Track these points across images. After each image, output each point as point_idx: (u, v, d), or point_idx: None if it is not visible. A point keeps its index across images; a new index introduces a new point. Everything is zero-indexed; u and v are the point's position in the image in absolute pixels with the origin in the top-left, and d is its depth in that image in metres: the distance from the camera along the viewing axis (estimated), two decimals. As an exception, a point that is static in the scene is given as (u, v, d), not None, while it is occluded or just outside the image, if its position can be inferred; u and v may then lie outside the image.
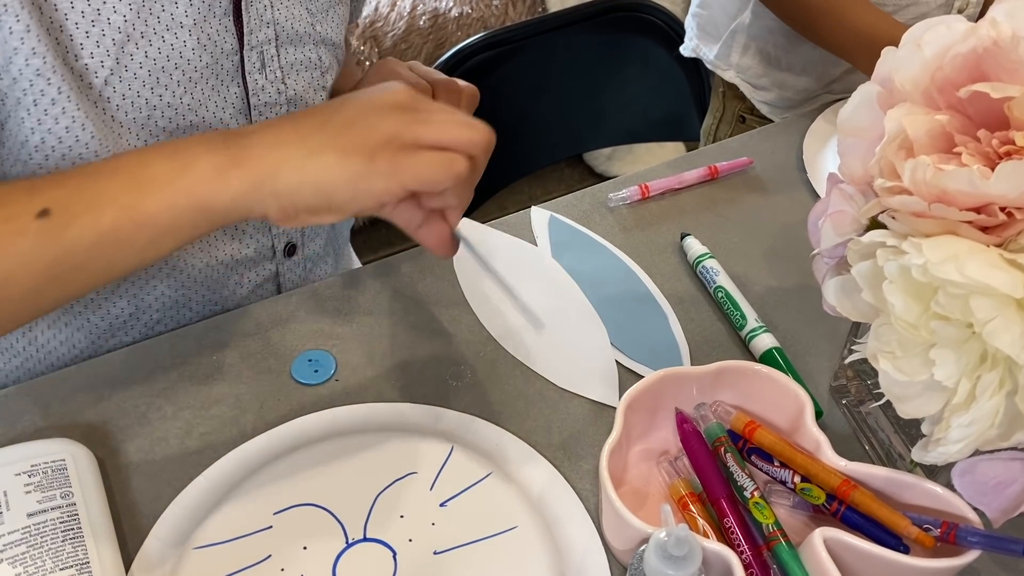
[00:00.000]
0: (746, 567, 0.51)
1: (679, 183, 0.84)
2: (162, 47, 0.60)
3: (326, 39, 0.72)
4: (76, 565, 0.51)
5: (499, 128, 0.53)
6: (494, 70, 1.18)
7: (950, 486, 0.51)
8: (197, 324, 0.70)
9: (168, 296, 0.72)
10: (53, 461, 0.56)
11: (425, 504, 0.58)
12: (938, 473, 0.56)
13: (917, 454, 0.50)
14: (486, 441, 0.62)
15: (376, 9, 1.82)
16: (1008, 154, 0.45)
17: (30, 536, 0.52)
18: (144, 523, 0.56)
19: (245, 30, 0.65)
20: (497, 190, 1.25)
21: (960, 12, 1.01)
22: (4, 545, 0.51)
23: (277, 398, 0.65)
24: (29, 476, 0.55)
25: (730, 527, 0.54)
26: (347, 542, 0.56)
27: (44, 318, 0.71)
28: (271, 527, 0.56)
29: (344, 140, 0.50)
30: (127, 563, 0.54)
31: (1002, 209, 0.45)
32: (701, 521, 0.55)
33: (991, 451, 0.48)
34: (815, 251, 0.55)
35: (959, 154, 0.46)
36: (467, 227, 0.76)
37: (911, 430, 0.59)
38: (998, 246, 0.45)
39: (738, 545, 0.53)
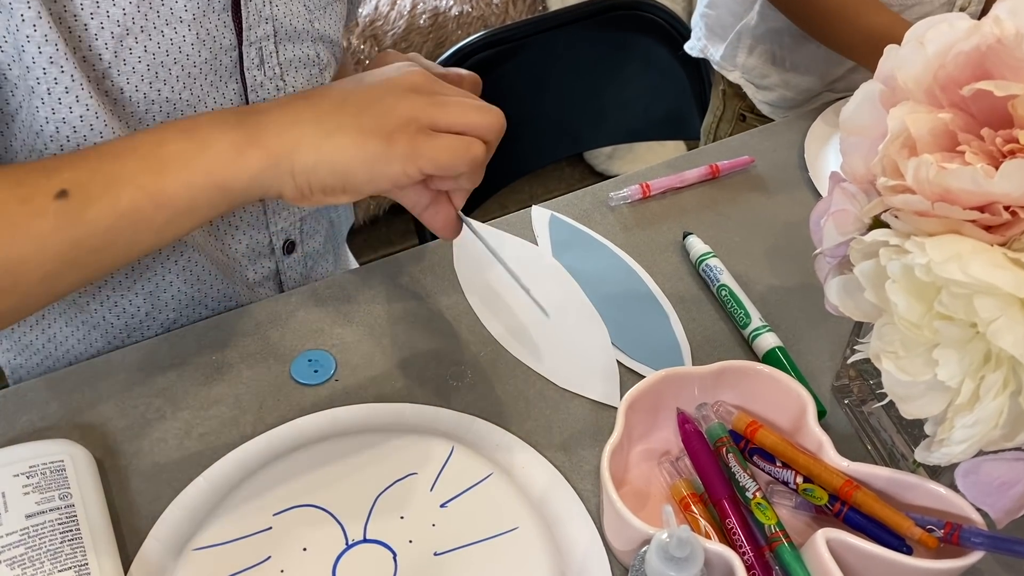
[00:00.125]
0: (748, 568, 0.51)
1: (680, 182, 0.83)
2: (161, 41, 0.60)
3: (324, 36, 0.72)
4: (75, 567, 0.51)
5: (499, 127, 0.53)
6: (494, 69, 1.18)
7: (953, 487, 0.51)
8: (197, 324, 0.70)
9: (184, 293, 0.72)
10: (52, 462, 0.56)
11: (425, 505, 0.57)
12: (941, 474, 0.56)
13: (920, 454, 0.49)
14: (486, 441, 0.62)
15: (376, 8, 1.82)
16: (1012, 152, 0.45)
17: (28, 537, 0.51)
18: (143, 524, 0.56)
19: (244, 26, 0.65)
20: (498, 189, 1.25)
21: (962, 10, 1.01)
22: (2, 547, 0.51)
23: (277, 398, 0.64)
24: (28, 477, 0.55)
25: (732, 528, 0.54)
26: (347, 543, 0.55)
27: (61, 315, 0.71)
28: (271, 528, 0.56)
29: (362, 121, 0.50)
30: (126, 565, 0.54)
31: (1006, 208, 0.45)
32: (703, 522, 0.55)
33: (995, 451, 0.48)
34: (817, 250, 0.55)
35: (962, 153, 0.46)
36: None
37: (914, 430, 0.59)
38: (1002, 245, 0.45)
39: (740, 546, 0.53)
